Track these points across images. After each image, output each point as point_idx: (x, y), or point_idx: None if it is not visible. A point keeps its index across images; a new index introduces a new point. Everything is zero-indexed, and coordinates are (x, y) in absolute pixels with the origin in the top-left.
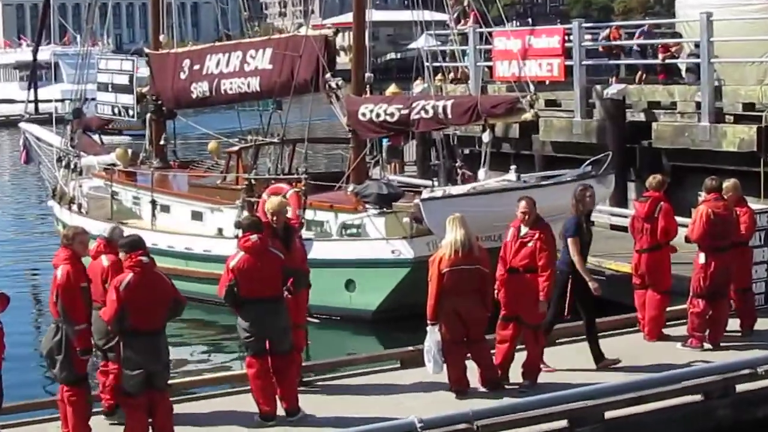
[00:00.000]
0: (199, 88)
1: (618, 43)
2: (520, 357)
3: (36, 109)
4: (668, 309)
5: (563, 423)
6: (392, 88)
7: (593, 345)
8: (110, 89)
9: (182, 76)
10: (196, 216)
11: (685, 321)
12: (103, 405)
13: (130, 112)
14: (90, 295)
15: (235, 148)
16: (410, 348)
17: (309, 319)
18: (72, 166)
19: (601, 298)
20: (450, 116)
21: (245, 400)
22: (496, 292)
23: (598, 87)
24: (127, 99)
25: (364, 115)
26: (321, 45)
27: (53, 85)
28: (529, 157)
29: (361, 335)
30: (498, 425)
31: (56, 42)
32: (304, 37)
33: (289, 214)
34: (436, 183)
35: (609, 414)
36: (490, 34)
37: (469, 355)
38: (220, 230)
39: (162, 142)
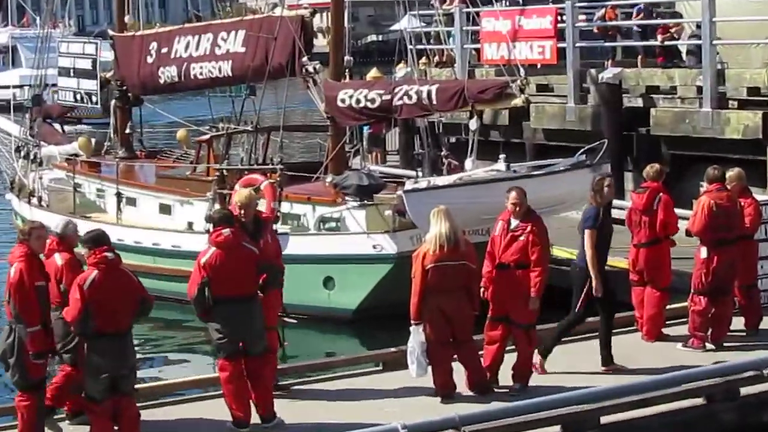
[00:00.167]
0: (167, 73)
1: (614, 23)
2: (510, 359)
3: None
4: (668, 307)
5: (556, 429)
6: (373, 73)
7: (605, 346)
8: (72, 74)
9: (149, 60)
10: (165, 209)
11: (685, 320)
12: (64, 410)
13: (94, 99)
14: (47, 295)
15: (206, 137)
16: (393, 349)
17: (285, 319)
18: (31, 157)
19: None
20: (435, 102)
21: (217, 405)
22: (482, 290)
23: (593, 71)
24: (90, 85)
25: (343, 101)
26: (297, 26)
27: (11, 71)
28: (519, 146)
29: (340, 336)
30: (486, 431)
31: (14, 24)
32: (279, 18)
33: (262, 207)
34: (420, 173)
35: (605, 419)
36: (477, 14)
37: (455, 356)
38: (190, 224)
39: (128, 131)
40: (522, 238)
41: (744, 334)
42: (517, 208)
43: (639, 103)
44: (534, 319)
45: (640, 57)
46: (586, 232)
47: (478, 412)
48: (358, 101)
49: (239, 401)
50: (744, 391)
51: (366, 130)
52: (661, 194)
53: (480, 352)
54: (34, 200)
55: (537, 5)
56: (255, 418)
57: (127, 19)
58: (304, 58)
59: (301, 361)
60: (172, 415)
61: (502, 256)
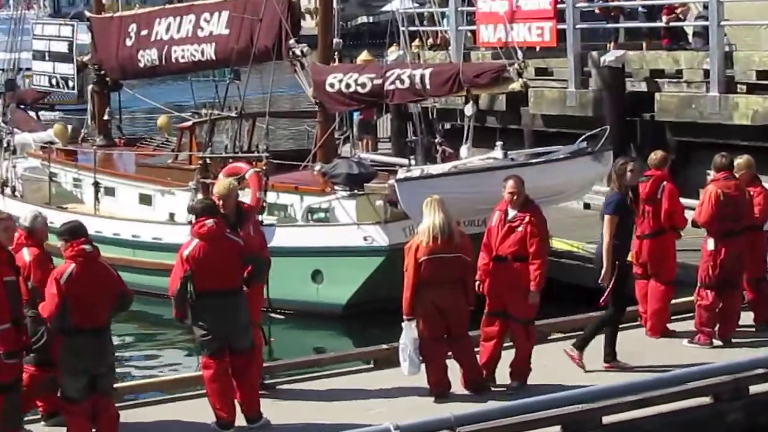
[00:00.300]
0: (147, 56)
1: (617, 3)
2: (508, 355)
3: None
4: (673, 301)
5: (556, 429)
6: (364, 56)
7: (609, 342)
8: (47, 58)
9: (128, 42)
10: (145, 200)
11: (692, 315)
12: (39, 410)
13: (70, 84)
14: (18, 290)
15: (188, 124)
16: (384, 346)
17: (272, 315)
18: (4, 145)
19: (598, 289)
20: (428, 87)
21: (200, 405)
22: (478, 283)
23: (595, 53)
24: (67, 69)
25: (332, 85)
26: (284, 7)
27: None
28: (517, 132)
29: (329, 332)
30: None
31: None
32: None
33: (248, 197)
34: (413, 161)
35: (607, 419)
36: None
37: (450, 353)
38: (171, 215)
39: (106, 117)
40: (520, 229)
41: (753, 329)
42: (515, 198)
43: (643, 87)
44: (533, 313)
45: (646, 39)
46: (607, 217)
47: (474, 411)
48: (347, 86)
49: (224, 401)
50: (753, 389)
51: (356, 116)
52: (665, 183)
53: (476, 349)
54: (8, 190)
55: None
56: (239, 419)
57: None
58: (291, 41)
59: (288, 359)
60: (153, 416)
61: (499, 248)
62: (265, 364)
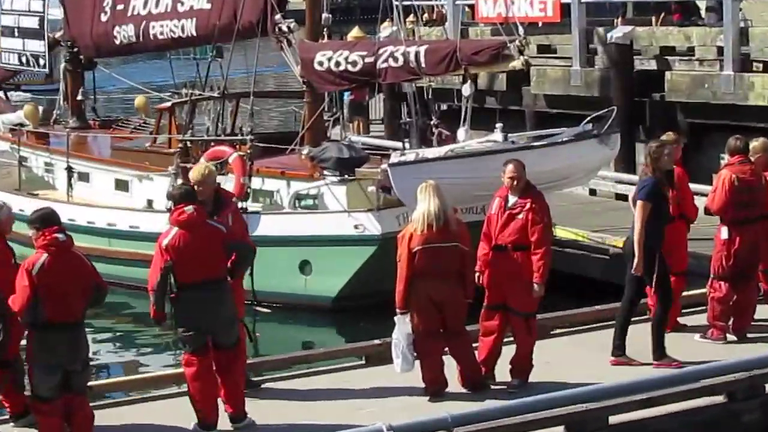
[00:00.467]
0: (124, 33)
1: None
2: (508, 351)
3: None
4: (684, 294)
5: (559, 430)
6: (355, 32)
7: (620, 335)
8: (16, 34)
9: (103, 18)
10: (121, 185)
11: (704, 308)
12: (7, 411)
13: (41, 62)
14: None
15: (167, 105)
16: (376, 342)
17: (257, 308)
18: None
19: (605, 281)
20: (424, 65)
21: (181, 405)
22: (478, 275)
23: (601, 29)
24: (37, 46)
25: (321, 64)
26: None
27: None
28: (518, 114)
29: (318, 327)
30: None
31: None
32: None
33: (230, 184)
34: (407, 145)
35: (614, 419)
36: None
37: (446, 349)
38: (149, 202)
39: (79, 98)
40: (520, 216)
41: None
42: (515, 183)
43: (652, 65)
44: (535, 307)
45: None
46: (640, 203)
47: (472, 411)
48: (337, 64)
49: (206, 400)
50: None
51: (347, 97)
52: (674, 167)
53: (474, 345)
54: None
55: None
56: (222, 421)
57: None
58: (277, 16)
59: (275, 356)
60: (131, 416)
61: (498, 236)
62: (249, 361)
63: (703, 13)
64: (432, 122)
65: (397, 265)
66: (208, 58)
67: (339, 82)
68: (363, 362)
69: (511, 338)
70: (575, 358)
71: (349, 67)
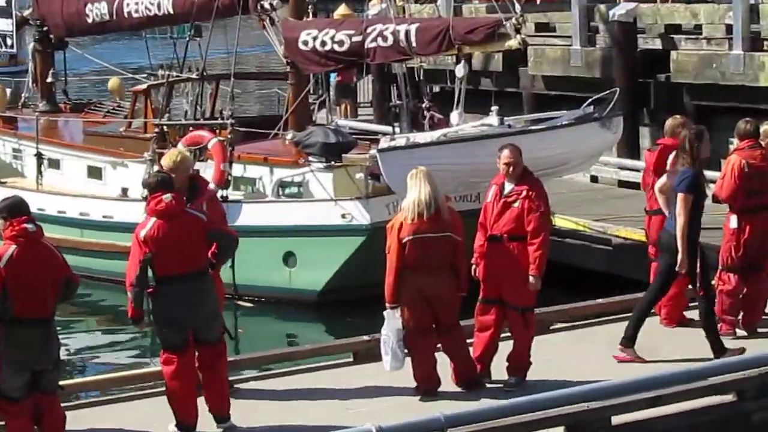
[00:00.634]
0: (97, 11)
1: None
2: (505, 347)
3: None
4: (691, 287)
5: (559, 431)
6: (341, 10)
7: (635, 325)
8: None
9: None
10: (94, 173)
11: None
12: None
13: (9, 42)
14: None
15: (143, 87)
16: (365, 338)
17: (239, 303)
18: None
19: (607, 273)
20: (415, 44)
21: (158, 405)
22: (473, 267)
23: (603, 6)
24: (4, 25)
25: (305, 43)
26: None
27: None
28: (515, 96)
29: (303, 322)
30: None
31: None
32: None
33: (210, 171)
34: (397, 129)
35: (617, 419)
36: None
37: (439, 346)
38: (124, 191)
39: (49, 80)
40: (516, 204)
41: None
42: (511, 169)
43: (657, 44)
44: (532, 300)
45: None
46: (681, 196)
47: (467, 411)
48: (323, 43)
49: (186, 401)
50: None
51: (333, 78)
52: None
53: (469, 341)
54: None
55: None
56: (202, 422)
57: None
58: None
59: (258, 352)
60: (104, 417)
61: (494, 226)
62: (229, 359)
63: None
64: (423, 105)
65: (387, 256)
66: (186, 38)
67: (325, 62)
68: (351, 359)
69: (508, 334)
70: (576, 355)
71: (336, 47)
